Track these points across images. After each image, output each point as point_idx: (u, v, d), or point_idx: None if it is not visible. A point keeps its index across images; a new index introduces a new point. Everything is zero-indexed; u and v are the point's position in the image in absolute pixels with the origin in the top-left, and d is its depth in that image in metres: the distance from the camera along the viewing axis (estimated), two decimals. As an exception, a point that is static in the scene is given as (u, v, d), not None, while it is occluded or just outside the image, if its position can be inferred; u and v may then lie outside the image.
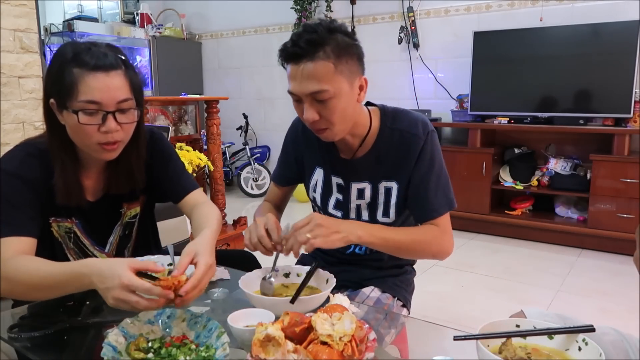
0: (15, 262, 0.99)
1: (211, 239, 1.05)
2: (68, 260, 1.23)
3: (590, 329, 0.82)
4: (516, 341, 0.85)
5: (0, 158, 1.13)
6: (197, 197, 1.30)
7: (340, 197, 1.34)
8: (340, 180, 1.33)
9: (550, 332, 0.86)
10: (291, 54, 1.11)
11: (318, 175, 1.36)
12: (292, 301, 0.99)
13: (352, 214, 1.33)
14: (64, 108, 1.05)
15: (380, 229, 1.20)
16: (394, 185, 1.27)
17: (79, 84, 1.03)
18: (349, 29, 1.15)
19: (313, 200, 1.41)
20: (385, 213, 1.29)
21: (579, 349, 0.82)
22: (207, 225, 1.14)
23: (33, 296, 1.04)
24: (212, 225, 1.14)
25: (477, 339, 0.80)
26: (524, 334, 0.86)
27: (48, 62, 1.13)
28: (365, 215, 1.32)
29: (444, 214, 1.24)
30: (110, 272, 0.86)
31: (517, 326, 0.88)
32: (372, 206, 1.30)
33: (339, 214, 1.35)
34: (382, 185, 1.28)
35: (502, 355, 0.80)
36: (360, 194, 1.30)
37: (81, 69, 1.03)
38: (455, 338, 0.83)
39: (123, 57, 1.09)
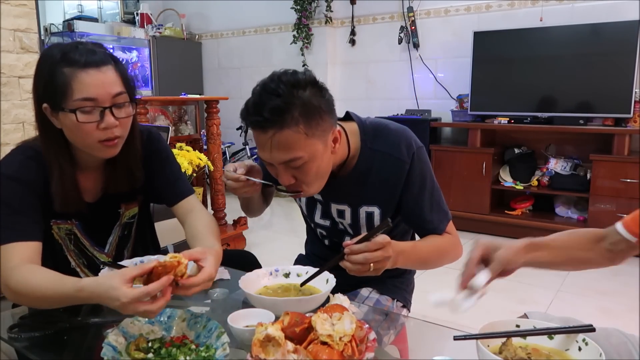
0: (18, 273, 0.99)
1: (220, 255, 1.05)
2: (68, 262, 1.24)
3: (590, 329, 0.82)
4: (516, 341, 0.85)
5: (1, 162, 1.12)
6: (193, 203, 1.29)
7: (324, 209, 1.32)
8: (319, 198, 1.30)
9: (550, 332, 0.86)
10: (255, 123, 1.02)
11: None
12: (302, 284, 1.09)
13: (340, 226, 1.32)
14: (60, 110, 1.04)
15: (415, 249, 1.18)
16: (375, 210, 1.24)
17: (73, 83, 1.01)
18: (313, 77, 1.06)
19: (300, 208, 1.40)
20: None
21: (579, 349, 0.82)
22: (213, 238, 1.15)
23: (36, 306, 1.04)
24: (218, 240, 1.15)
25: (477, 338, 0.80)
26: (524, 334, 0.86)
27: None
28: (350, 232, 1.30)
29: (445, 228, 1.24)
30: (108, 296, 0.85)
31: (517, 326, 0.88)
32: (355, 228, 1.28)
33: (327, 222, 1.33)
34: (363, 209, 1.24)
35: (502, 356, 0.80)
36: (341, 214, 1.28)
37: (72, 68, 1.02)
38: (456, 338, 0.83)
39: (110, 53, 1.09)
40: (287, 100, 0.99)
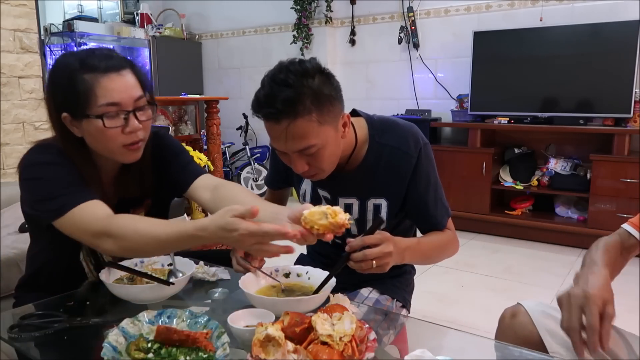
0: (118, 219, 0.98)
1: None
2: (77, 253, 1.23)
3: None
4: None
5: (25, 157, 1.10)
6: (214, 178, 1.26)
7: None
8: (327, 194, 1.30)
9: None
10: (269, 115, 1.03)
11: (306, 185, 1.34)
12: (317, 291, 1.04)
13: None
14: (84, 117, 1.04)
15: (419, 245, 1.20)
16: (383, 202, 1.25)
17: (96, 89, 1.02)
18: (319, 64, 1.08)
19: None
20: None
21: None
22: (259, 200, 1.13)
23: (139, 252, 1.03)
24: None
25: None
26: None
27: (48, 73, 1.11)
28: (354, 230, 1.29)
29: (446, 224, 1.26)
30: (224, 233, 0.84)
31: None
32: (361, 222, 1.28)
33: None
34: (371, 202, 1.25)
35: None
36: (348, 209, 1.28)
37: (93, 74, 1.02)
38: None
39: (125, 57, 1.10)
40: (298, 90, 1.01)
